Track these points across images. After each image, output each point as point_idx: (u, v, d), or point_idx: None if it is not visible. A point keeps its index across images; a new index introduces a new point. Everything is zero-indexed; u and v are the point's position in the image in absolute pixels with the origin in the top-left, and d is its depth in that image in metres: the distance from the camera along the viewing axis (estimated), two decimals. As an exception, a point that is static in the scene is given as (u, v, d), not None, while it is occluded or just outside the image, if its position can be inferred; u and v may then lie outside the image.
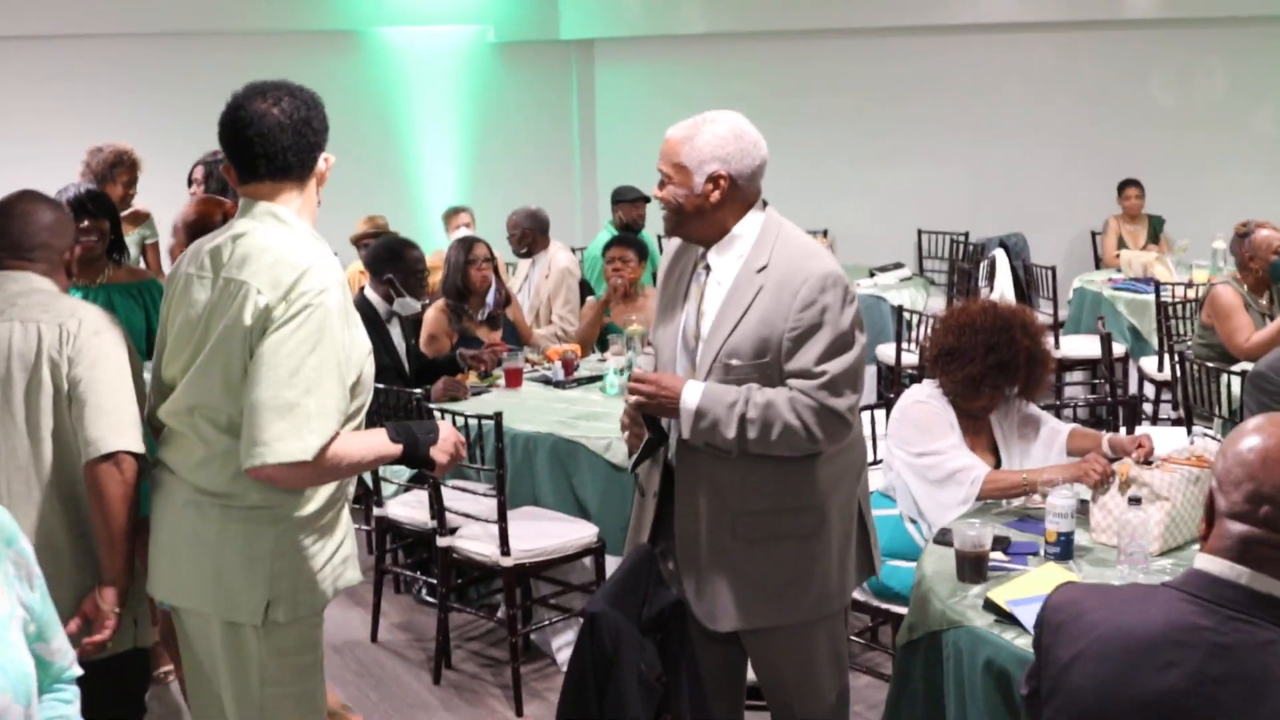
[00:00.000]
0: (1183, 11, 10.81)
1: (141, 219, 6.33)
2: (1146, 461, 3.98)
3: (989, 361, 4.27)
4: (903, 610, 4.23)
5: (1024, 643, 3.08)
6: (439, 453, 3.16)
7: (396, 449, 3.09)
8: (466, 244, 6.91)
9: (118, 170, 6.39)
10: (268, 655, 3.06)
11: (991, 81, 11.53)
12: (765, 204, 3.51)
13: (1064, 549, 3.69)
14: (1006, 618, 3.27)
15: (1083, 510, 3.93)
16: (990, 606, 3.34)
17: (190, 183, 6.33)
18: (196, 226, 4.49)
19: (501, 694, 5.21)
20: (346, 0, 11.27)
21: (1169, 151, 11.03)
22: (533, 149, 12.60)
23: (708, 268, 3.48)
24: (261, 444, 2.84)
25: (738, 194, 3.42)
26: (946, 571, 3.61)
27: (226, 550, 3.01)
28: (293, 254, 2.94)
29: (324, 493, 3.07)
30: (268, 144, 3.01)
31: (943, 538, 3.85)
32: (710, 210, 3.41)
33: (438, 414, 5.29)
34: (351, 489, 3.23)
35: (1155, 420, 7.87)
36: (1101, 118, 11.27)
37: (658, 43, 12.53)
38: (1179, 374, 6.50)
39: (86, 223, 4.77)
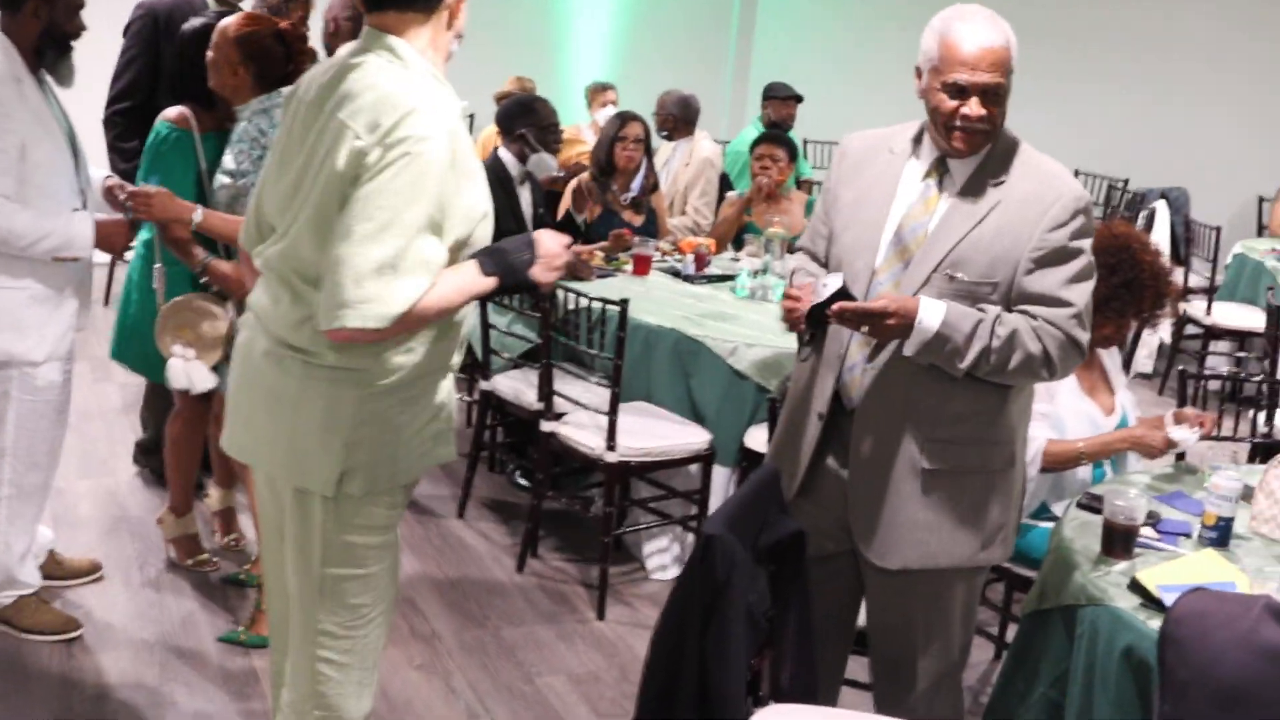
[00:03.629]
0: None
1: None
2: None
3: (1113, 282, 3.96)
4: (1024, 572, 3.97)
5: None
6: (542, 271, 2.82)
7: (490, 282, 2.75)
8: (622, 119, 6.67)
9: (293, 4, 6.12)
10: (334, 530, 2.82)
11: (1174, 26, 10.96)
12: None
13: (1222, 535, 3.38)
14: (1154, 603, 2.96)
15: (1246, 495, 3.60)
16: (1136, 588, 3.03)
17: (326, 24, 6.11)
18: (245, 43, 4.13)
19: (585, 593, 4.99)
20: None
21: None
22: (688, 33, 12.30)
23: (945, 170, 3.14)
24: (344, 304, 2.56)
25: None
26: (1089, 541, 3.31)
27: (304, 411, 2.75)
28: (399, 94, 2.61)
29: (416, 360, 2.77)
30: None
31: (1089, 503, 3.55)
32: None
33: (560, 291, 5.05)
34: (457, 359, 2.93)
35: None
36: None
37: (833, -61, 12.10)
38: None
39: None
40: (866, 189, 3.22)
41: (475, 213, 2.73)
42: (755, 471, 3.21)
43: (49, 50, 3.96)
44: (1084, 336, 3.08)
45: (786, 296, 3.13)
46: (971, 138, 3.05)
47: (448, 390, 2.93)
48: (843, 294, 3.01)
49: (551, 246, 2.84)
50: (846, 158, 3.32)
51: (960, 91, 3.00)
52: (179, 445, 4.74)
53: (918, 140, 3.20)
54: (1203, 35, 10.90)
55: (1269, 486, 3.53)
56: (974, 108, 3.01)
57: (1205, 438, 3.86)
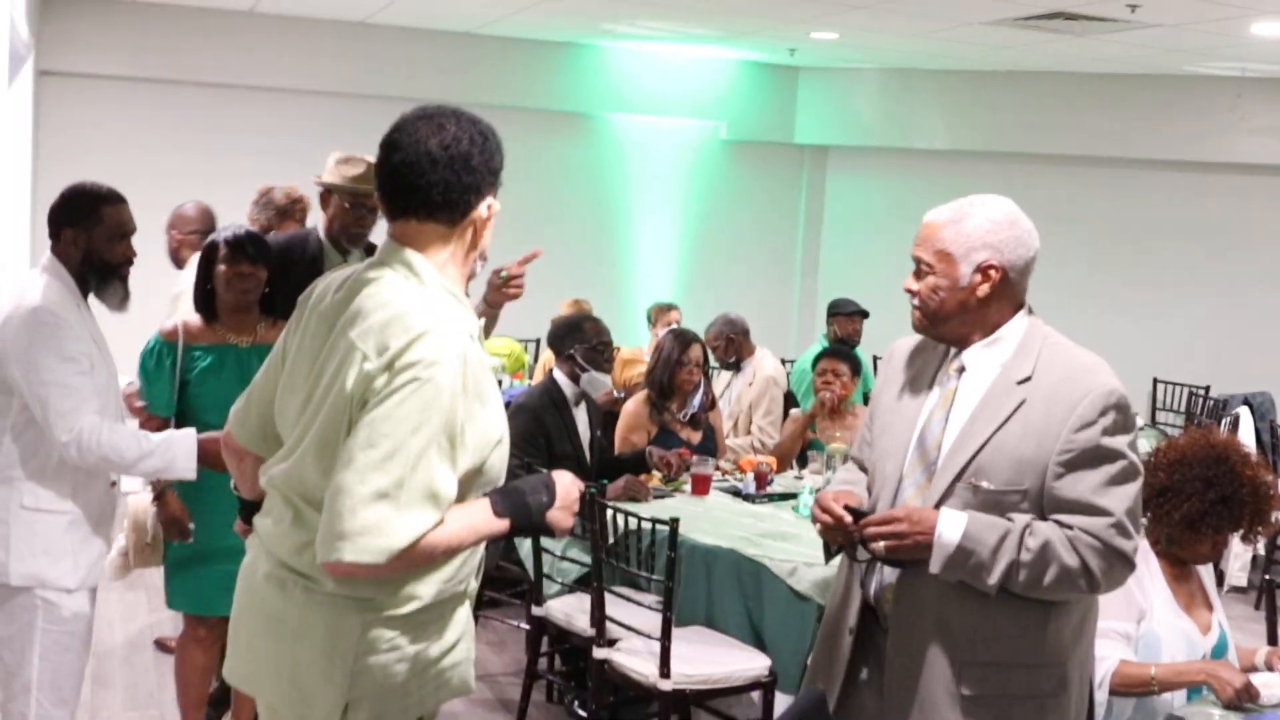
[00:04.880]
0: None
1: None
2: None
3: (1209, 498, 3.72)
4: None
5: None
6: (559, 514, 2.69)
7: (503, 525, 2.61)
8: (684, 341, 6.48)
9: (297, 207, 6.22)
10: None
11: (1248, 226, 10.88)
12: (1030, 309, 3.05)
13: (1319, 760, 3.10)
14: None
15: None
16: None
17: None
18: None
19: (644, 831, 4.70)
20: (579, 84, 11.26)
21: None
22: (753, 252, 12.41)
23: (961, 369, 3.02)
24: (341, 536, 2.41)
25: (1007, 289, 2.98)
26: (1175, 768, 3.05)
27: (306, 639, 2.58)
28: (411, 315, 2.50)
29: (430, 588, 2.60)
30: (414, 175, 2.58)
31: (1172, 727, 3.29)
32: (975, 306, 2.97)
33: (610, 512, 4.89)
34: (474, 584, 2.77)
35: None
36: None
37: (895, 155, 12.24)
38: None
39: (245, 268, 4.44)
40: (905, 390, 3.12)
41: (488, 439, 2.59)
42: (799, 698, 3.01)
43: (91, 276, 3.97)
44: (1129, 545, 2.87)
45: (824, 509, 3.00)
46: (912, 312, 3.03)
47: (464, 618, 2.75)
48: (857, 512, 2.89)
49: (569, 492, 2.70)
50: (891, 362, 3.25)
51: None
52: (181, 672, 4.63)
53: None
54: (1273, 235, 10.77)
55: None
56: (907, 280, 3.02)
57: None
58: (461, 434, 2.50)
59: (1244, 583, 7.98)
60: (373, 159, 5.15)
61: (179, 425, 4.21)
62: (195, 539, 4.34)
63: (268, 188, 6.39)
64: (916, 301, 3.02)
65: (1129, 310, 11.08)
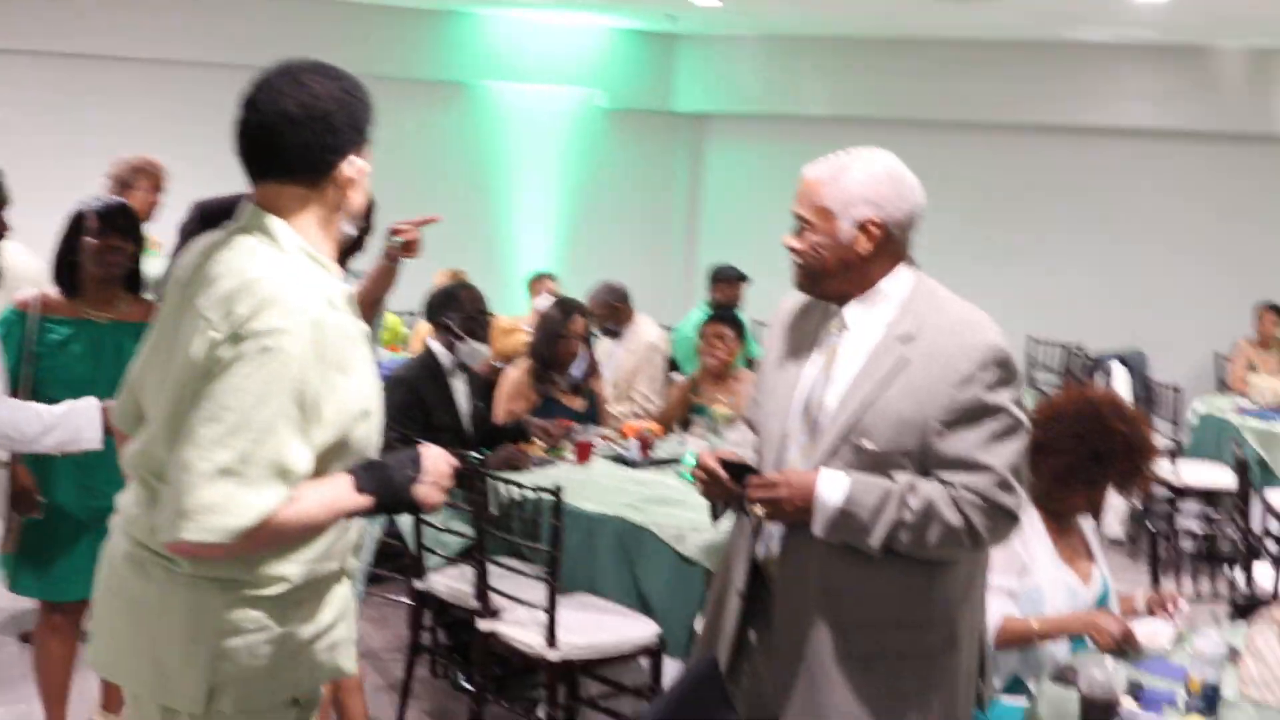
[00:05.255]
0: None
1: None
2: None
3: (1080, 452, 3.72)
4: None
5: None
6: (427, 490, 2.55)
7: (365, 501, 2.47)
8: (566, 311, 6.41)
9: (140, 176, 6.05)
10: None
11: (1121, 187, 11.08)
12: (915, 263, 2.99)
13: (1209, 702, 3.14)
14: (1139, 783, 2.70)
15: (1232, 658, 3.34)
16: (1122, 768, 2.78)
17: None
18: None
19: (534, 803, 4.62)
20: (454, 52, 11.12)
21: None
22: (633, 220, 12.37)
23: (843, 325, 2.95)
24: (182, 515, 2.28)
25: (889, 245, 2.92)
26: (1066, 717, 3.05)
27: (166, 621, 2.44)
28: (260, 283, 2.36)
29: (297, 568, 2.46)
30: (271, 135, 2.45)
31: (1064, 676, 3.32)
32: (857, 263, 2.91)
33: (492, 482, 4.79)
34: (354, 562, 2.64)
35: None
36: (1241, 235, 10.71)
37: (774, 122, 12.25)
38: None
39: (116, 241, 4.21)
40: (790, 349, 3.07)
41: (349, 411, 2.45)
42: (691, 665, 2.96)
43: None
44: (1012, 501, 2.84)
45: (702, 468, 2.98)
46: (793, 270, 2.99)
47: (340, 597, 2.61)
48: (744, 469, 2.85)
49: (439, 466, 2.57)
50: (777, 321, 3.18)
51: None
52: (39, 663, 4.44)
53: None
54: (1151, 198, 10.97)
55: (1256, 648, 3.27)
56: (787, 236, 2.97)
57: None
58: (316, 406, 2.37)
59: (1120, 534, 8.08)
60: None
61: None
62: (43, 514, 4.15)
63: (118, 159, 6.24)
64: (798, 259, 2.96)
65: (1004, 270, 11.19)
